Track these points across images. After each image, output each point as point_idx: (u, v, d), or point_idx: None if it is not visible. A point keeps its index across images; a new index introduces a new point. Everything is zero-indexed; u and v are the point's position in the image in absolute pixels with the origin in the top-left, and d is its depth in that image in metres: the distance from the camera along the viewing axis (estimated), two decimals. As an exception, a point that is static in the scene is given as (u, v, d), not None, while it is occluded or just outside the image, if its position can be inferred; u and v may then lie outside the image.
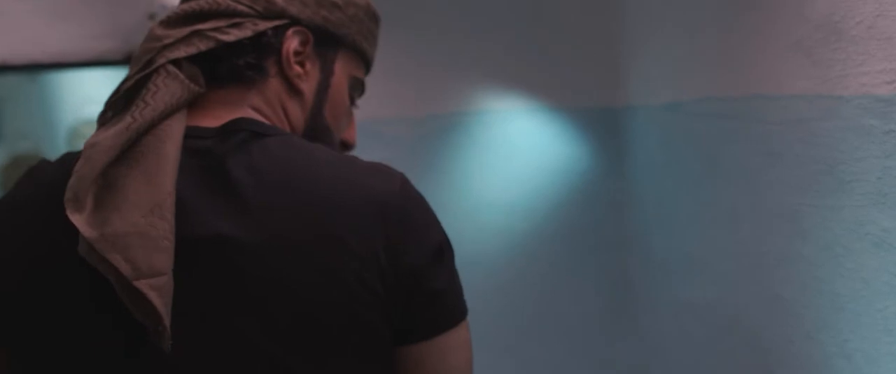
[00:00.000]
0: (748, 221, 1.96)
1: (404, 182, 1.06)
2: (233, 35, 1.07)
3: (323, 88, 1.16)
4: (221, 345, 0.95)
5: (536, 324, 2.41)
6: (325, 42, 1.15)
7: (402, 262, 1.00)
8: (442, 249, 1.05)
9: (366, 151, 2.38)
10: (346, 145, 1.27)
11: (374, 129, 2.33)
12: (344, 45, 1.19)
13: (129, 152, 0.97)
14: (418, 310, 1.02)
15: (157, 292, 0.90)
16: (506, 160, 2.43)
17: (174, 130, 0.99)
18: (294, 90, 1.12)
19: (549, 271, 2.43)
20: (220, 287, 0.95)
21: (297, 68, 1.12)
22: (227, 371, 0.96)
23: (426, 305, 1.03)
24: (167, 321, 0.90)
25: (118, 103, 1.05)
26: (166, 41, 1.05)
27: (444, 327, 1.05)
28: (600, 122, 2.51)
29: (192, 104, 1.06)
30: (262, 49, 1.09)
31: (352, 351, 1.00)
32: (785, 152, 1.79)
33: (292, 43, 1.11)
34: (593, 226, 2.48)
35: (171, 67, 1.04)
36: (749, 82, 1.92)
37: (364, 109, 2.41)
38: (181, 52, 1.05)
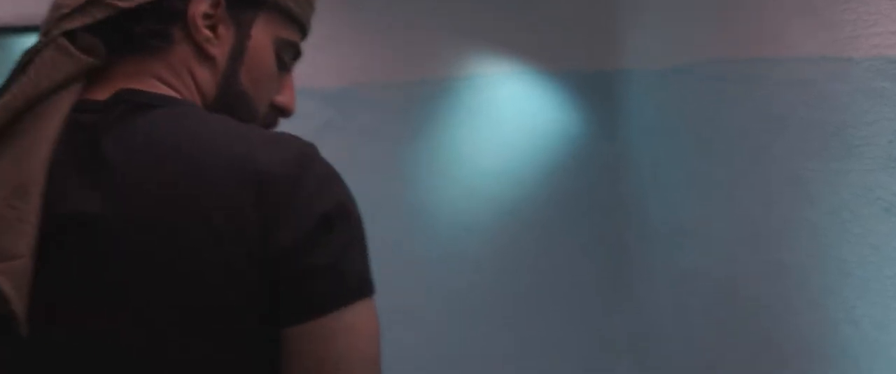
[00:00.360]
0: (750, 186, 1.93)
1: (302, 153, 0.97)
2: (132, 1, 1.00)
3: (238, 52, 1.08)
4: (81, 329, 0.92)
5: (531, 293, 2.38)
6: (241, 3, 1.07)
7: (275, 238, 0.93)
8: (329, 221, 0.95)
9: (352, 118, 2.34)
10: (282, 111, 1.19)
11: (362, 95, 2.28)
12: (265, 5, 1.12)
13: (7, 130, 0.94)
14: (293, 290, 0.94)
15: (7, 276, 0.87)
16: (497, 126, 2.38)
17: (60, 106, 0.96)
18: (204, 56, 1.05)
19: (542, 239, 2.40)
20: (82, 269, 0.92)
21: (206, 32, 1.04)
22: (86, 355, 0.93)
23: (301, 284, 0.94)
24: (18, 305, 0.88)
25: (12, 79, 0.99)
26: (64, 11, 1.00)
27: (325, 308, 0.95)
28: (594, 86, 2.47)
29: (94, 76, 1.01)
30: (165, 14, 1.02)
31: (215, 336, 0.94)
32: (790, 116, 1.76)
33: (200, 6, 1.03)
34: (587, 193, 2.44)
35: (61, 40, 0.98)
36: (752, 44, 1.88)
37: (350, 75, 2.36)
38: (78, 22, 0.99)
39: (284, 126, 2.26)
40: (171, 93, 1.03)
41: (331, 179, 0.98)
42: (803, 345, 1.77)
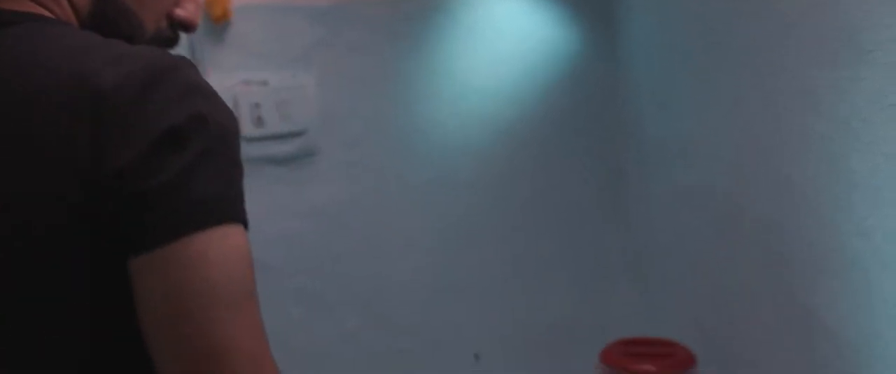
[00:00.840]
0: (755, 99, 1.87)
1: (153, 65, 0.88)
2: None
3: None
4: None
5: (527, 214, 2.33)
6: None
7: (107, 159, 0.85)
8: (178, 136, 0.86)
9: (342, 36, 2.26)
10: (184, 26, 1.11)
11: (352, 12, 2.20)
12: None
13: None
14: (132, 217, 0.85)
15: None
16: (491, 43, 2.31)
17: None
18: None
19: (539, 160, 2.34)
20: None
21: None
22: None
23: (141, 210, 0.85)
24: None
25: None
26: None
27: (166, 236, 0.85)
28: (592, 1, 2.40)
29: None
30: None
31: (55, 273, 0.87)
32: (798, 23, 1.69)
33: None
34: (585, 111, 2.39)
35: None
36: (759, -50, 1.81)
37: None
38: None
39: (274, 45, 2.19)
40: (41, 10, 0.95)
41: (190, 91, 0.88)
42: (811, 261, 1.73)
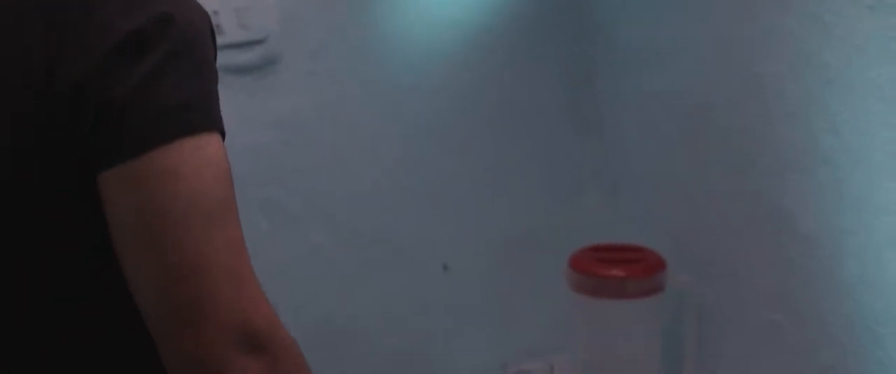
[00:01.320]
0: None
1: None
2: None
3: None
4: None
5: (495, 120, 2.29)
6: None
7: (62, 70, 0.80)
8: (140, 40, 0.81)
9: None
10: None
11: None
12: None
13: None
14: (95, 130, 0.81)
15: None
16: (457, -53, 2.25)
17: None
18: None
19: (507, 66, 2.29)
20: None
21: None
22: None
23: (101, 122, 0.80)
24: None
25: None
26: None
27: (131, 149, 0.80)
28: None
29: None
30: None
31: (13, 197, 0.84)
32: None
33: None
34: (553, 16, 2.32)
35: None
36: None
37: None
38: None
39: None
40: None
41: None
42: (781, 160, 1.70)
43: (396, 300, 2.11)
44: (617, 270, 1.91)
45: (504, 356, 1.94)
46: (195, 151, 0.82)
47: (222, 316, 0.81)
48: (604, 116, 2.39)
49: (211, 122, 0.84)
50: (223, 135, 0.87)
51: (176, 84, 0.81)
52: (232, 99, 2.13)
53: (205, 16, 0.89)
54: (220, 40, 0.95)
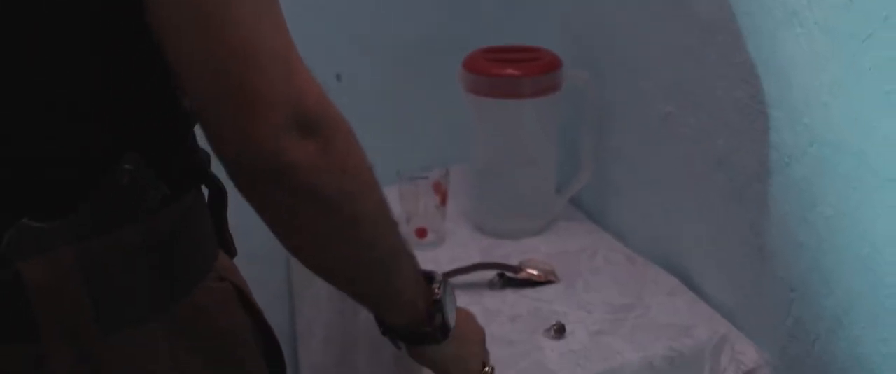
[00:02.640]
0: None
1: None
2: None
3: None
4: None
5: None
6: None
7: None
8: None
9: None
10: None
11: None
12: None
13: None
14: None
15: None
16: None
17: None
18: None
19: None
20: None
21: None
22: None
23: None
24: None
25: None
26: None
27: None
28: None
29: None
30: None
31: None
32: None
33: None
34: None
35: None
36: None
37: None
38: None
39: None
40: None
41: None
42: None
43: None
44: (512, 69, 1.87)
45: (400, 164, 1.91)
46: None
47: (276, 99, 0.83)
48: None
49: None
50: None
51: None
52: None
53: None
54: None
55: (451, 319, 1.17)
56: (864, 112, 1.28)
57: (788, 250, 1.49)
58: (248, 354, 1.06)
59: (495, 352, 1.51)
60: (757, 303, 1.60)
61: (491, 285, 1.75)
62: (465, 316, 1.28)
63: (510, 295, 1.73)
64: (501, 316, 1.66)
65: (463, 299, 1.69)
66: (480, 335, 1.32)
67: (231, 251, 1.11)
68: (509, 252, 1.87)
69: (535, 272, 1.76)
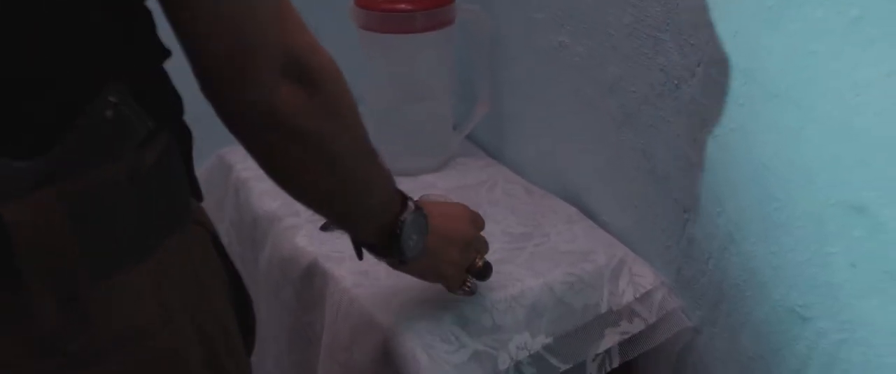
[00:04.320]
0: None
1: None
2: None
3: None
4: None
5: None
6: None
7: None
8: None
9: None
10: None
11: None
12: None
13: None
14: None
15: None
16: None
17: None
18: None
19: None
20: None
21: None
22: None
23: None
24: None
25: None
26: None
27: None
28: None
29: None
30: None
31: None
32: None
33: None
34: None
35: None
36: None
37: None
38: None
39: None
40: None
41: None
42: None
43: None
44: (404, 4, 1.84)
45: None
46: None
47: (269, 49, 0.92)
48: None
49: None
50: None
51: None
52: None
53: None
54: None
55: (411, 247, 1.24)
56: (748, 29, 1.30)
57: (680, 171, 1.51)
58: (222, 304, 1.05)
59: (396, 284, 1.51)
60: (652, 226, 1.62)
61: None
62: (445, 223, 1.32)
63: (410, 230, 1.72)
64: (402, 251, 1.65)
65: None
66: (464, 236, 1.35)
67: (199, 196, 1.09)
68: (408, 190, 1.82)
69: (434, 207, 1.75)
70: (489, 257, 1.56)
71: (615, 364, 1.58)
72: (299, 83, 0.95)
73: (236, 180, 1.96)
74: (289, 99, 0.95)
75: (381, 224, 1.21)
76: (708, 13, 1.35)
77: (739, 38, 1.32)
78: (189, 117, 1.03)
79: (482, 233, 1.42)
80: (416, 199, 1.31)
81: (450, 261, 1.35)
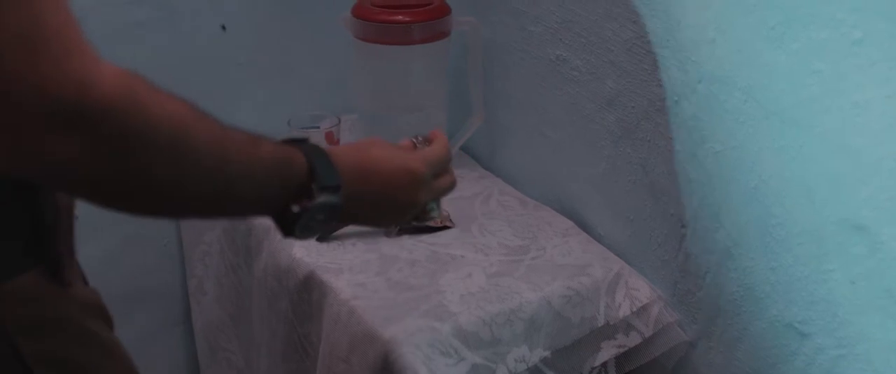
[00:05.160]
0: None
1: None
2: None
3: None
4: None
5: None
6: None
7: None
8: None
9: None
10: None
11: None
12: None
13: None
14: None
15: None
16: None
17: None
18: None
19: None
20: None
21: None
22: None
23: None
24: None
25: None
26: None
27: None
28: None
29: None
30: None
31: None
32: None
33: None
34: None
35: None
36: None
37: None
38: None
39: None
40: None
41: None
42: None
43: (173, 60, 1.97)
44: (402, 15, 1.85)
45: (290, 112, 1.88)
46: None
47: (19, 92, 0.71)
48: None
49: None
50: None
51: None
52: None
53: None
54: None
55: (313, 229, 1.05)
56: (750, 47, 1.31)
57: (679, 186, 1.53)
58: None
59: (395, 297, 1.52)
60: (649, 240, 1.63)
61: (387, 232, 1.74)
62: (383, 190, 1.10)
63: (407, 241, 1.72)
64: (400, 262, 1.65)
65: (359, 248, 1.69)
66: (401, 206, 1.14)
67: (62, 277, 0.95)
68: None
69: (430, 218, 1.76)
70: (487, 269, 1.56)
71: (612, 377, 1.59)
72: (68, 131, 0.73)
73: (231, 189, 1.96)
74: (62, 155, 0.74)
75: (276, 212, 1.03)
76: (709, 30, 1.37)
77: (741, 55, 1.33)
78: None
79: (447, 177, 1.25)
80: (361, 145, 1.13)
81: (388, 221, 1.21)
